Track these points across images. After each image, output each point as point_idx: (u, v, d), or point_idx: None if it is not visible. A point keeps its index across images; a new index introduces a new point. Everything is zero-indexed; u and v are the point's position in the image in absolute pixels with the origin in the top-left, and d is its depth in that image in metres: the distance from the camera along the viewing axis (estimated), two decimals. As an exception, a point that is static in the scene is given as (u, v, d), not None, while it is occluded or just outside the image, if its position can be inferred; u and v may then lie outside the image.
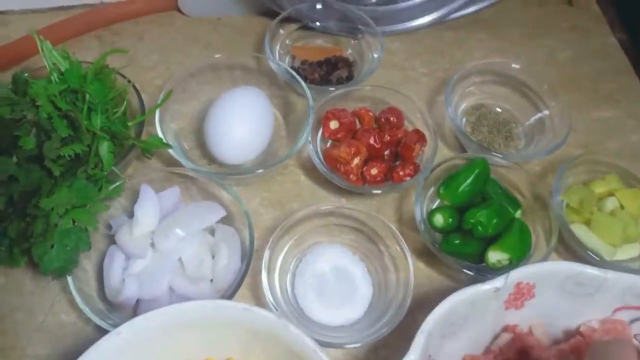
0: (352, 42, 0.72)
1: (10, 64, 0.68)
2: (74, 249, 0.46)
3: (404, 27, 0.73)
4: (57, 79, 0.50)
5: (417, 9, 0.73)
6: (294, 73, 0.63)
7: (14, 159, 0.45)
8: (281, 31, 0.71)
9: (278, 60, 0.67)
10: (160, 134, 0.57)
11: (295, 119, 0.65)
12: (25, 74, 0.51)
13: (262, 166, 0.61)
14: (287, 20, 0.71)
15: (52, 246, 0.45)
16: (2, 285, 0.54)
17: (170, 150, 0.56)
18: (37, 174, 0.44)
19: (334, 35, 0.74)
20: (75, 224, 0.46)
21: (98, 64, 0.52)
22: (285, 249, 0.55)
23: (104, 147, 0.51)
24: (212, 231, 0.55)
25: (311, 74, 0.69)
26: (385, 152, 0.61)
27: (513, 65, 0.67)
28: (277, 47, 0.71)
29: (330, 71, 0.69)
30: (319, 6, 0.71)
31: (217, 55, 0.65)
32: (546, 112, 0.66)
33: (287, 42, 0.73)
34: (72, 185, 0.46)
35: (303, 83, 0.62)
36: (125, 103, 0.58)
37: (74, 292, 0.47)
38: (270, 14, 0.74)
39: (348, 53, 0.73)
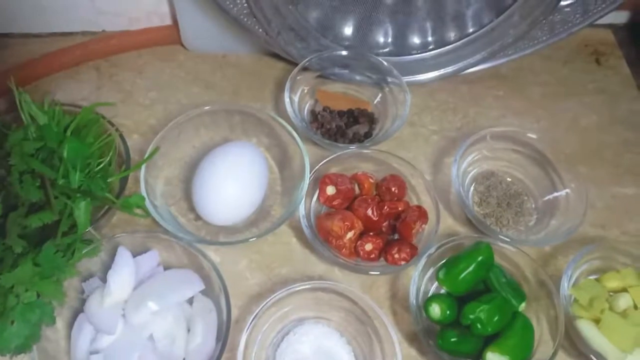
0: (379, 96, 0.68)
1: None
2: (36, 324, 0.43)
3: (415, 79, 0.69)
4: (33, 135, 0.46)
5: (430, 62, 0.68)
6: (293, 132, 0.59)
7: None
8: (299, 77, 0.66)
9: (294, 108, 0.63)
10: (144, 192, 0.53)
11: (291, 174, 0.61)
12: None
13: (253, 226, 0.58)
14: (308, 68, 0.67)
15: (12, 322, 0.42)
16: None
17: (153, 214, 0.52)
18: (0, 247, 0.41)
19: (362, 85, 0.69)
20: (40, 297, 0.43)
21: (79, 120, 0.49)
22: (268, 323, 0.51)
23: (81, 208, 0.47)
24: (190, 299, 0.52)
25: (329, 123, 0.64)
26: (383, 224, 0.57)
27: (529, 135, 0.62)
28: (298, 91, 0.67)
29: (350, 124, 0.65)
30: (345, 53, 0.67)
31: (212, 106, 0.61)
32: (562, 192, 0.60)
33: (306, 89, 0.68)
34: (38, 257, 0.42)
35: (301, 144, 0.58)
36: (111, 153, 0.55)
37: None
38: (278, 55, 0.70)
39: (373, 105, 0.68)
